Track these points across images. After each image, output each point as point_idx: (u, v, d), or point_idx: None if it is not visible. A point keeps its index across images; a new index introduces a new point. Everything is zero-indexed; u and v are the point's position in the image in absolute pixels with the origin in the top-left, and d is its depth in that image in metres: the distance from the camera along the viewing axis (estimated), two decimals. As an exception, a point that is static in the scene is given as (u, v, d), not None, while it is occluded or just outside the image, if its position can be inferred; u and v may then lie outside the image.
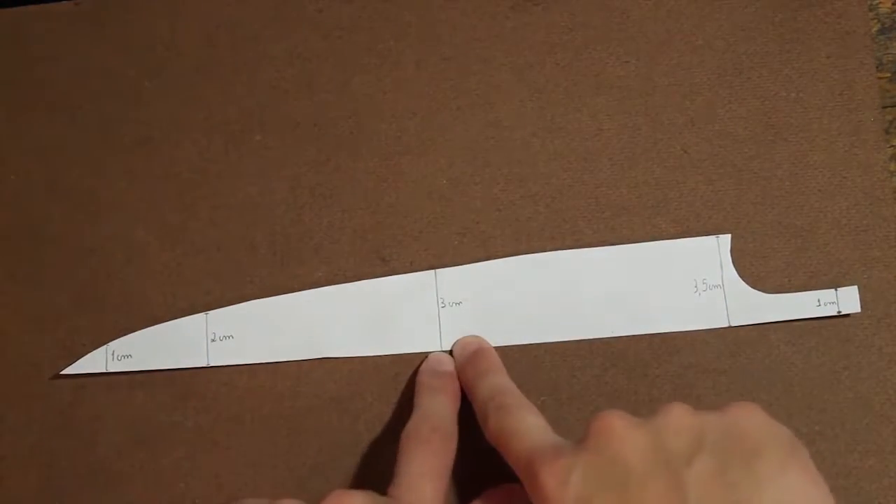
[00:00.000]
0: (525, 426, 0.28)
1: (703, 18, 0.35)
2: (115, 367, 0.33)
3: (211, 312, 0.34)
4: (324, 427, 0.33)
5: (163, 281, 0.34)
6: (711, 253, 0.33)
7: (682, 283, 0.33)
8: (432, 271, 0.34)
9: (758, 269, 0.33)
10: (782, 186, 0.34)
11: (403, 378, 0.33)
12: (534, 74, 0.35)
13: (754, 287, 0.33)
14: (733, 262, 0.33)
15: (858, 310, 0.32)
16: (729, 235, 0.33)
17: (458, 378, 0.32)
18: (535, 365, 0.33)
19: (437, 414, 0.30)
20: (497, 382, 0.31)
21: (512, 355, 0.33)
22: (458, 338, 0.33)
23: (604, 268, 0.33)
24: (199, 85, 0.36)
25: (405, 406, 0.33)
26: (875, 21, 0.35)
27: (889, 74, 0.35)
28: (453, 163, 0.35)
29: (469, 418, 0.33)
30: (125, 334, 0.34)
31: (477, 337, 0.33)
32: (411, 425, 0.29)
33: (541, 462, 0.25)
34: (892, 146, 0.34)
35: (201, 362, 0.33)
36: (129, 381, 0.34)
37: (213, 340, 0.33)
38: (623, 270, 0.33)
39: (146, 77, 0.36)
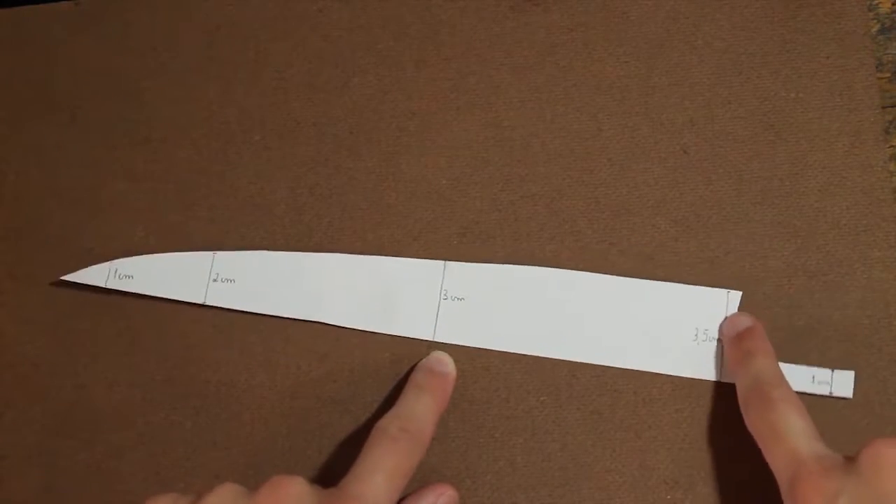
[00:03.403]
0: (790, 428, 0.27)
1: (702, 18, 0.35)
2: (114, 284, 0.34)
3: (218, 253, 0.34)
4: (324, 427, 0.33)
5: (163, 281, 0.35)
6: (719, 305, 0.33)
7: (683, 329, 0.33)
8: (442, 262, 0.34)
9: (756, 270, 0.33)
10: (782, 186, 0.34)
11: (403, 379, 0.33)
12: (534, 74, 0.35)
13: (754, 285, 0.33)
14: (733, 263, 0.33)
15: (850, 395, 0.32)
16: (740, 293, 0.33)
17: (727, 352, 0.32)
18: (535, 365, 0.33)
19: (412, 414, 0.29)
20: (762, 369, 0.30)
21: (511, 355, 0.33)
22: (451, 332, 0.33)
23: (611, 296, 0.33)
24: (199, 85, 0.36)
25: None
26: (875, 21, 0.35)
27: (889, 74, 0.35)
28: (453, 163, 0.35)
29: (469, 423, 0.33)
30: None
31: (751, 316, 0.32)
32: (383, 420, 0.29)
33: (807, 476, 0.25)
34: (892, 146, 0.34)
35: (198, 299, 0.33)
36: (129, 381, 0.34)
37: (214, 280, 0.34)
38: (629, 303, 0.33)
39: (146, 77, 0.36)
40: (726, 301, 0.33)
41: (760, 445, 0.28)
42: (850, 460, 0.25)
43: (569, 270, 0.33)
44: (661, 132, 0.34)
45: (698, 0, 0.35)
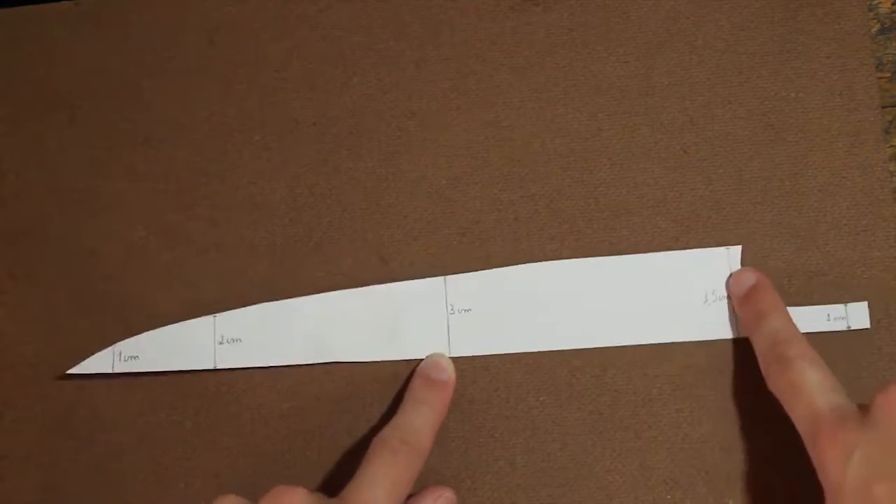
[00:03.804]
0: (806, 383, 0.28)
1: (702, 18, 0.35)
2: (121, 368, 0.33)
3: (219, 315, 0.34)
4: (324, 427, 0.33)
5: (162, 281, 0.34)
6: (721, 264, 0.33)
7: (691, 294, 0.33)
8: (442, 278, 0.34)
9: (758, 269, 0.33)
10: (782, 186, 0.34)
11: (403, 378, 0.33)
12: (534, 74, 0.35)
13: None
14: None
15: (867, 325, 0.32)
16: (739, 247, 0.33)
17: (738, 312, 0.32)
18: (535, 365, 0.33)
19: (411, 426, 0.30)
20: (775, 328, 0.30)
21: (511, 355, 0.33)
22: (466, 345, 0.33)
23: (615, 277, 0.33)
24: (199, 85, 0.36)
25: (405, 406, 0.33)
26: (875, 21, 0.35)
27: (889, 74, 0.35)
28: (453, 163, 0.35)
29: (469, 423, 0.33)
30: (125, 334, 0.34)
31: (754, 270, 0.32)
32: (384, 432, 0.29)
33: (825, 430, 0.26)
34: (892, 146, 0.34)
35: (208, 365, 0.33)
36: (129, 381, 0.34)
37: (220, 343, 0.33)
38: (634, 280, 0.33)
39: (146, 77, 0.36)
40: (727, 257, 0.33)
41: (784, 406, 0.29)
42: (866, 408, 0.26)
43: (568, 259, 0.34)
44: (661, 132, 0.34)
45: (698, 0, 0.35)
